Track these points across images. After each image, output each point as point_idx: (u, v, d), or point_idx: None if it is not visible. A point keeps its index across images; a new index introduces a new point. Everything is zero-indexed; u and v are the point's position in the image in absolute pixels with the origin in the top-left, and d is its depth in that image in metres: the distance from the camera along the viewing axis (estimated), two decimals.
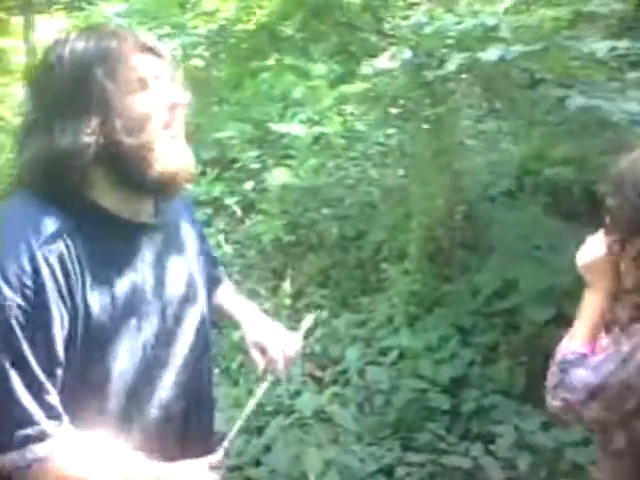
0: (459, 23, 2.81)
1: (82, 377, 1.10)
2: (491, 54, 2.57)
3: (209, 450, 1.24)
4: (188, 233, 1.32)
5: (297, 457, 2.67)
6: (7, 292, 1.04)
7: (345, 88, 3.45)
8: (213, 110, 4.65)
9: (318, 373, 3.28)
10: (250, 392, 2.54)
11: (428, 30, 2.79)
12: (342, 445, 2.76)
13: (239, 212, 4.39)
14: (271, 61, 3.82)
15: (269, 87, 3.89)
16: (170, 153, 1.14)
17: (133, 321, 1.15)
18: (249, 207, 4.36)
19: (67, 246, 1.08)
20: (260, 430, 2.84)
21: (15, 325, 1.04)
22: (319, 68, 3.77)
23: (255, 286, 3.79)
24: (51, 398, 1.07)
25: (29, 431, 1.05)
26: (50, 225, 1.08)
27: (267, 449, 2.75)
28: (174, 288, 1.23)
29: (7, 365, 1.04)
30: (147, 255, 1.19)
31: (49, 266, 1.06)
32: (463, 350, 3.00)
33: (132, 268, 1.16)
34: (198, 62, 4.52)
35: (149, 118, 1.12)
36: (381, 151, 3.74)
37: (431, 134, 3.41)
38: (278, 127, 3.90)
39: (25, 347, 1.04)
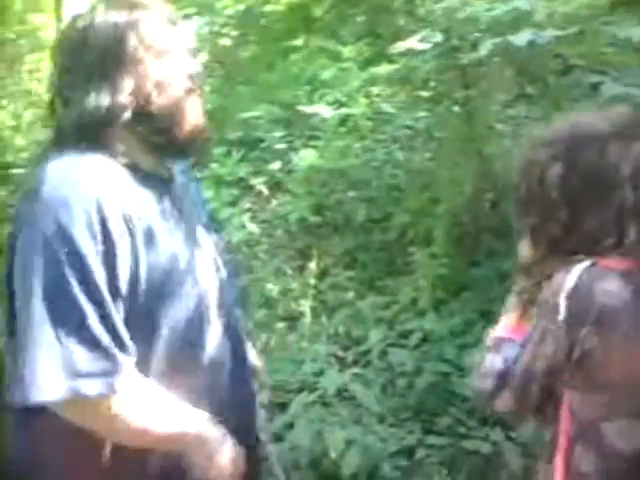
0: (491, 9, 2.79)
1: (141, 319, 1.17)
2: (522, 38, 2.55)
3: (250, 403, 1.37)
4: (196, 196, 1.45)
5: (319, 434, 2.71)
6: (77, 232, 1.10)
7: (374, 70, 3.45)
8: (240, 90, 4.66)
9: (340, 353, 3.32)
10: None
11: (461, 15, 2.77)
12: (364, 425, 2.80)
13: (266, 192, 4.42)
14: (300, 42, 3.81)
15: (299, 69, 3.89)
16: (194, 115, 1.24)
17: (183, 264, 1.23)
18: (275, 187, 4.38)
19: (123, 197, 1.16)
20: (283, 406, 2.89)
21: (86, 264, 1.10)
22: (348, 50, 3.76)
23: (282, 265, 3.82)
24: (123, 333, 1.13)
25: (103, 364, 1.10)
26: (106, 178, 1.15)
27: (290, 425, 2.80)
28: (203, 240, 1.33)
29: (82, 298, 1.09)
30: (178, 206, 1.28)
31: (113, 212, 1.13)
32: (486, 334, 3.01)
33: (174, 218, 1.25)
34: (226, 42, 4.54)
35: (176, 82, 1.22)
36: (409, 134, 3.74)
37: (461, 118, 3.40)
38: (305, 108, 3.91)
39: (98, 284, 1.10)
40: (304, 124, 4.12)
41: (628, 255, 1.13)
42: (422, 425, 2.84)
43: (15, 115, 5.24)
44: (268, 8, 3.66)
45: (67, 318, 1.09)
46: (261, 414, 1.37)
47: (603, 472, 1.15)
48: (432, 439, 2.75)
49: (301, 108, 3.90)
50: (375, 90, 3.82)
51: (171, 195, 1.27)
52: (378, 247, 3.83)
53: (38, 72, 6.36)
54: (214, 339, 1.28)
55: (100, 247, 1.11)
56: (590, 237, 1.16)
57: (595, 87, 2.56)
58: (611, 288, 1.09)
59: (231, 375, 1.31)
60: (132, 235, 1.15)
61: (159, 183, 1.26)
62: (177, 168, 1.36)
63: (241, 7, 3.77)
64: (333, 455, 2.66)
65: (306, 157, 3.76)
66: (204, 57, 5.38)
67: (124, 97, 1.17)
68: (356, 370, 3.07)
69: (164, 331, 1.19)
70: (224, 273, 1.36)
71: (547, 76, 3.19)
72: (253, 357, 1.50)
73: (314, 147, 3.83)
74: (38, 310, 1.09)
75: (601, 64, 2.65)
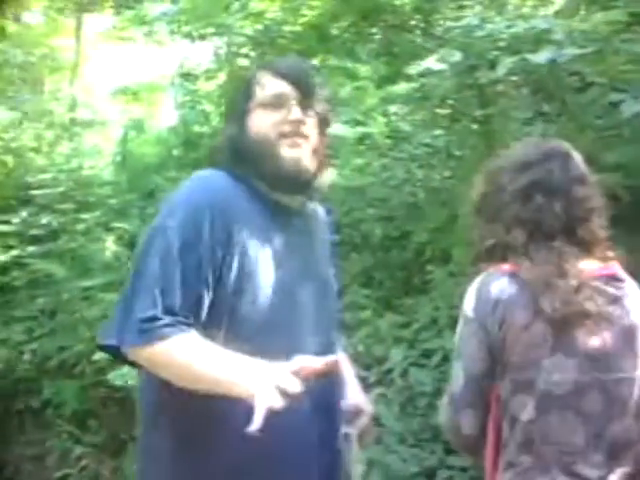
0: (510, 27, 2.80)
1: (233, 303, 1.37)
2: (542, 56, 2.56)
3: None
4: (323, 237, 1.62)
5: None
6: (171, 223, 1.37)
7: (391, 88, 3.46)
8: None
9: (362, 373, 3.30)
10: None
11: (479, 33, 2.78)
12: (385, 445, 2.77)
13: None
14: (317, 61, 3.84)
15: None
16: (292, 157, 1.45)
17: (271, 268, 1.42)
18: None
19: (229, 204, 1.41)
20: None
21: (170, 246, 1.35)
22: (365, 69, 3.78)
23: None
24: (174, 304, 1.32)
25: (150, 320, 1.31)
26: (219, 188, 1.43)
27: None
28: (304, 264, 1.51)
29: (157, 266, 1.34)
30: (288, 228, 1.49)
31: (210, 214, 1.37)
32: None
33: (279, 234, 1.47)
34: (244, 62, 4.58)
35: (268, 128, 1.46)
36: (427, 152, 3.74)
37: (479, 136, 3.40)
38: None
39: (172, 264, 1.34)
40: None
41: (515, 259, 1.38)
42: (443, 446, 2.80)
43: (36, 136, 5.31)
44: (286, 28, 3.69)
45: (148, 285, 1.33)
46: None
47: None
48: (454, 460, 2.72)
49: None
50: (392, 109, 3.83)
51: (291, 223, 1.50)
52: (396, 265, 3.81)
53: (58, 93, 6.45)
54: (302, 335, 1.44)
55: (188, 235, 1.35)
56: (493, 246, 1.42)
57: (615, 105, 2.56)
58: (502, 286, 1.35)
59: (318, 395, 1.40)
60: (226, 242, 1.36)
61: (282, 211, 1.49)
62: (324, 214, 1.63)
63: (259, 27, 3.81)
64: (355, 475, 2.63)
65: (325, 176, 3.75)
66: (222, 77, 5.45)
67: (234, 139, 1.48)
68: (379, 390, 3.06)
69: (257, 311, 1.39)
70: (322, 306, 1.51)
71: (565, 94, 3.18)
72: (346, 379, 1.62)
73: (332, 165, 3.83)
74: (129, 280, 1.39)
75: (621, 82, 2.64)
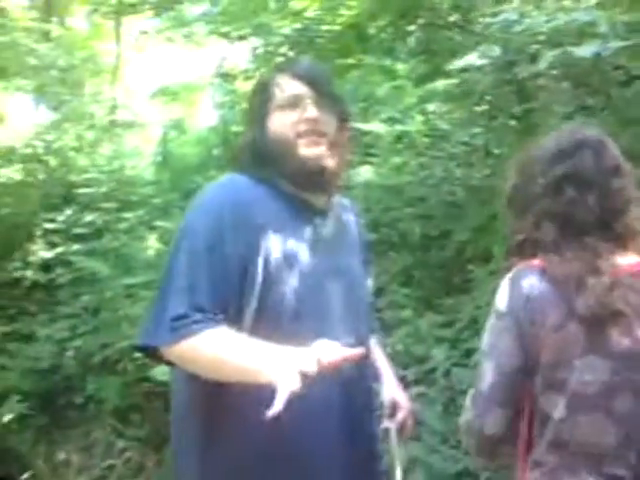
0: (550, 20, 2.75)
1: (261, 299, 1.40)
2: (586, 50, 2.51)
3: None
4: (351, 232, 1.64)
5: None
6: (196, 225, 1.43)
7: (430, 86, 3.44)
8: None
9: (401, 372, 3.28)
10: None
11: (518, 28, 2.75)
12: (428, 444, 2.76)
13: None
14: (355, 60, 3.84)
15: (354, 87, 3.92)
16: (312, 156, 1.48)
17: (297, 266, 1.45)
18: None
19: (252, 204, 1.45)
20: None
21: (196, 247, 1.40)
22: (404, 67, 3.76)
23: None
24: (202, 302, 1.36)
25: (181, 318, 1.34)
26: (241, 189, 1.47)
27: None
28: (332, 261, 1.52)
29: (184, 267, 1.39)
30: (313, 225, 1.52)
31: (233, 215, 1.41)
32: None
33: (304, 231, 1.49)
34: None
35: (286, 128, 1.49)
36: (465, 150, 3.70)
37: (517, 132, 3.35)
38: (361, 125, 3.92)
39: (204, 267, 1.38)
40: (359, 141, 4.13)
41: (545, 255, 1.34)
42: None
43: (77, 137, 5.41)
44: (324, 27, 3.70)
45: (177, 286, 1.37)
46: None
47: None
48: None
49: (356, 125, 3.91)
50: (430, 107, 3.81)
51: (316, 221, 1.52)
52: (435, 265, 3.79)
53: (99, 95, 6.57)
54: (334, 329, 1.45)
55: (213, 235, 1.39)
56: (523, 241, 1.38)
57: None
58: (532, 282, 1.31)
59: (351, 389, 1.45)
60: (251, 241, 1.40)
61: (307, 209, 1.52)
62: (351, 211, 1.64)
63: (297, 26, 3.82)
64: (397, 474, 2.62)
65: (363, 174, 3.76)
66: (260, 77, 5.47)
67: (254, 140, 1.52)
68: (419, 389, 3.04)
69: (285, 308, 1.42)
70: (351, 301, 1.52)
71: (609, 88, 3.12)
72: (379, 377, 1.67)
73: (370, 164, 3.83)
74: (160, 280, 1.43)
75: None
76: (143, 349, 1.45)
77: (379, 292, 3.78)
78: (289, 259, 1.44)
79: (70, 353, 3.85)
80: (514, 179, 1.45)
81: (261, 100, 1.55)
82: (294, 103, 1.50)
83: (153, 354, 1.42)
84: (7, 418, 3.47)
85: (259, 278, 1.40)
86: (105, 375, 3.68)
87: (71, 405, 3.93)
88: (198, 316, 1.34)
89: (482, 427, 1.33)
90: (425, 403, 2.94)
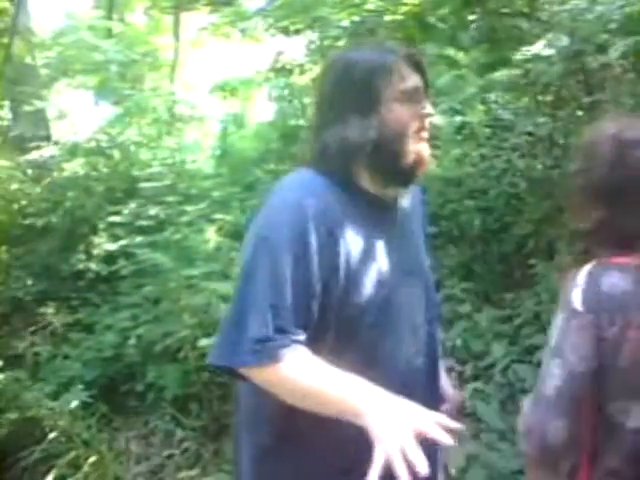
0: (623, 6, 2.65)
1: (341, 306, 1.34)
2: None
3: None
4: (418, 224, 1.58)
5: None
6: (276, 235, 1.31)
7: (492, 76, 3.36)
8: None
9: (458, 367, 3.24)
10: None
11: (589, 16, 2.66)
12: (485, 442, 2.71)
13: None
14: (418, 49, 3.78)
15: None
16: (418, 152, 1.40)
17: (376, 268, 1.39)
18: None
19: (330, 208, 1.34)
20: None
21: (278, 261, 1.29)
22: (466, 57, 3.69)
23: None
24: (285, 322, 1.29)
25: (278, 338, 1.28)
26: (320, 192, 1.35)
27: None
28: (405, 259, 1.47)
29: (266, 284, 1.29)
30: (390, 224, 1.45)
31: (315, 223, 1.31)
32: None
33: (380, 231, 1.42)
34: None
35: (407, 123, 1.39)
36: (529, 140, 3.61)
37: (584, 123, 3.25)
38: None
39: (286, 275, 1.29)
40: None
41: (630, 249, 1.26)
42: None
43: (139, 131, 5.53)
44: (387, 18, 3.65)
45: (259, 303, 1.29)
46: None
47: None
48: None
49: None
50: (492, 97, 3.73)
51: (388, 217, 1.45)
52: (495, 258, 3.71)
53: (158, 90, 6.69)
54: (405, 357, 1.42)
55: (296, 248, 1.29)
56: (605, 232, 1.29)
57: None
58: (613, 280, 1.23)
59: (421, 396, 1.36)
60: (332, 248, 1.32)
61: (380, 205, 1.44)
62: (416, 198, 1.55)
63: (356, 18, 3.79)
64: (452, 471, 2.59)
65: None
66: (316, 70, 5.47)
67: (370, 132, 1.36)
68: (476, 385, 2.99)
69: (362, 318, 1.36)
70: (425, 300, 1.49)
71: None
72: (445, 383, 1.61)
73: (431, 155, 3.77)
74: (238, 289, 1.34)
75: None
76: (220, 368, 1.37)
77: (438, 286, 3.74)
78: (368, 264, 1.38)
79: (132, 342, 3.93)
80: (590, 162, 1.35)
81: (373, 87, 1.37)
82: (415, 97, 1.39)
83: (230, 373, 1.35)
84: (73, 405, 3.57)
85: (340, 286, 1.34)
86: (165, 363, 3.75)
87: (132, 393, 4.01)
88: (281, 339, 1.27)
89: (544, 435, 1.22)
90: (482, 399, 2.89)
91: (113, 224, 4.53)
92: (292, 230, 1.30)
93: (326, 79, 1.44)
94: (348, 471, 1.32)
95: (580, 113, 3.21)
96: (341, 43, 4.44)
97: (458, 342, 3.30)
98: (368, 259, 1.38)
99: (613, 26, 2.69)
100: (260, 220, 1.36)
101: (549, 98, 3.32)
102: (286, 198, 1.36)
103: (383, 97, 1.37)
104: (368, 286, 1.37)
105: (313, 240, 1.30)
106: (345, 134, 1.37)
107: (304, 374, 1.27)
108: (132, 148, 5.38)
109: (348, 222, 1.35)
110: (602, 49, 2.79)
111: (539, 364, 3.04)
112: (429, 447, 1.29)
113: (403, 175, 1.42)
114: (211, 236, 3.92)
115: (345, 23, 4.12)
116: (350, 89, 1.38)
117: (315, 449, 1.37)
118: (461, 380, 3.14)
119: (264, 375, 1.29)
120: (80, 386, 3.74)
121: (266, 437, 1.42)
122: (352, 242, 1.35)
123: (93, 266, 4.61)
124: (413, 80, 1.40)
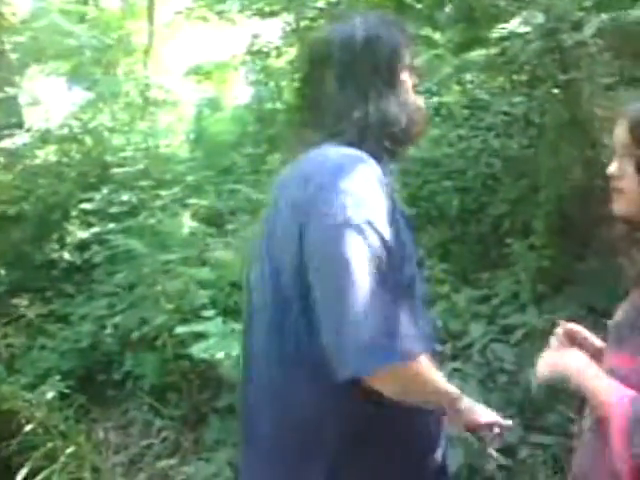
0: None
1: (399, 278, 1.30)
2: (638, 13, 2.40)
3: None
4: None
5: None
6: (363, 219, 1.22)
7: (468, 56, 3.34)
8: None
9: (437, 347, 3.23)
10: None
11: None
12: None
13: None
14: None
15: None
16: (422, 125, 1.46)
17: (411, 239, 1.39)
18: None
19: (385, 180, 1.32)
20: None
21: (377, 252, 1.23)
22: (443, 36, 3.66)
23: None
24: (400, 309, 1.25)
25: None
26: (375, 166, 1.31)
27: None
28: None
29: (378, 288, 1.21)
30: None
31: (388, 203, 1.28)
32: (595, 331, 2.85)
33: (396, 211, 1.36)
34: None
35: (413, 90, 1.42)
36: (505, 120, 3.59)
37: (560, 102, 3.24)
38: None
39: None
40: None
41: None
42: (524, 422, 2.72)
43: (112, 116, 5.43)
44: None
45: (375, 306, 1.20)
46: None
47: None
48: (536, 437, 2.64)
49: None
50: (468, 77, 3.70)
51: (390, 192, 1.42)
52: (473, 239, 3.71)
53: (132, 74, 6.58)
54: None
55: (389, 237, 1.25)
56: None
57: None
58: None
59: None
60: (395, 226, 1.29)
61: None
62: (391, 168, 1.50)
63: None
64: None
65: None
66: (293, 52, 5.42)
67: (399, 105, 1.37)
68: (454, 364, 2.99)
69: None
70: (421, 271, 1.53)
71: None
72: None
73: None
74: (341, 287, 1.20)
75: None
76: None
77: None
78: (409, 236, 1.38)
79: (108, 330, 3.88)
80: None
81: (397, 63, 1.37)
82: (416, 69, 1.43)
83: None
84: (50, 396, 3.52)
85: (400, 255, 1.30)
86: (143, 351, 3.70)
87: (110, 383, 3.97)
88: (411, 331, 1.24)
89: None
90: (461, 378, 2.89)
91: (86, 211, 4.46)
92: (376, 208, 1.25)
93: (344, 54, 1.37)
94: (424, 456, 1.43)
95: (556, 91, 3.19)
96: (317, 25, 4.39)
97: (439, 323, 3.30)
98: (409, 230, 1.38)
99: (588, 4, 2.67)
100: (337, 205, 1.23)
101: (524, 77, 3.30)
102: (357, 178, 1.26)
103: (401, 71, 1.40)
104: (413, 257, 1.38)
105: (392, 221, 1.28)
106: (386, 107, 1.36)
107: (431, 370, 1.30)
108: (105, 134, 5.29)
109: (391, 198, 1.34)
110: (577, 26, 2.77)
111: (517, 343, 3.07)
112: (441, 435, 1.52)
113: (405, 150, 1.46)
114: (186, 221, 3.87)
115: (321, 4, 4.07)
116: (378, 65, 1.36)
117: (400, 438, 1.38)
118: (441, 360, 3.14)
119: (409, 371, 1.24)
120: (57, 377, 3.68)
121: (334, 436, 1.33)
122: (398, 218, 1.34)
123: (67, 255, 4.54)
124: (412, 49, 1.43)
